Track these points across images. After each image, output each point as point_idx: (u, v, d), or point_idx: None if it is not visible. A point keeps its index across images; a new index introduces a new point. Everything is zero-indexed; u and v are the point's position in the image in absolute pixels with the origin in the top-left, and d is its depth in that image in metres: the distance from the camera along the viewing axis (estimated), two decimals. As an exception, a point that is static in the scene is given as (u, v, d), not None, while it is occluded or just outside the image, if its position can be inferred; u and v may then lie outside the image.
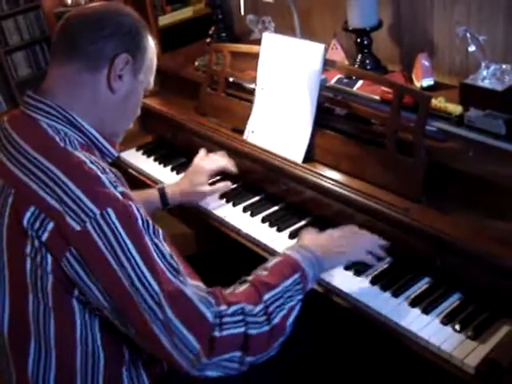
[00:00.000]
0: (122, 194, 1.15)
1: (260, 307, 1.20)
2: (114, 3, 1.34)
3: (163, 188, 1.85)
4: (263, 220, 1.75)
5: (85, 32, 1.26)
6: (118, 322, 1.17)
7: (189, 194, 1.86)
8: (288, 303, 1.24)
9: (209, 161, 1.93)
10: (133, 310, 1.12)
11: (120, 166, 2.20)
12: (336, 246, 1.42)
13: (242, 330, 1.16)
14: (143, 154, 2.30)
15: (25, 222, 1.13)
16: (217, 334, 1.14)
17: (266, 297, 1.22)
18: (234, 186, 1.95)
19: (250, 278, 1.27)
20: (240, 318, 1.17)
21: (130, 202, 1.15)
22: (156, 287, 1.11)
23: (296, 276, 1.28)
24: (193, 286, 1.16)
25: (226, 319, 1.16)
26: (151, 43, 1.36)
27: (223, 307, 1.17)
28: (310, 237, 1.46)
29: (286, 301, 1.24)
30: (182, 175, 2.06)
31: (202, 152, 1.97)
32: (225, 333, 1.15)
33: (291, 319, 1.24)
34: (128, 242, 1.12)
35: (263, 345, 1.20)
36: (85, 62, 1.25)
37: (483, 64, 1.53)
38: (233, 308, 1.17)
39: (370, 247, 1.45)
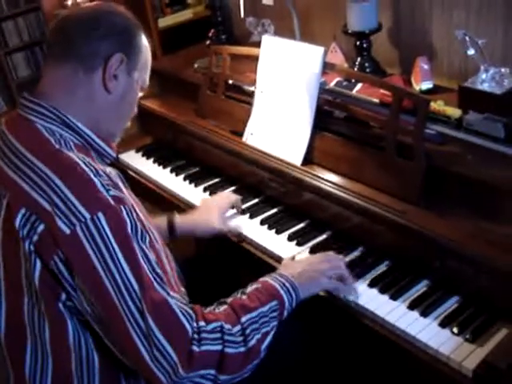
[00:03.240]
0: (114, 197, 1.14)
1: (238, 328, 1.20)
2: (106, 3, 1.33)
3: (172, 218, 1.74)
4: (262, 222, 1.75)
5: (79, 33, 1.25)
6: (99, 328, 1.17)
7: (200, 230, 1.76)
8: (263, 328, 1.24)
9: (222, 199, 1.85)
10: (115, 317, 1.12)
11: (119, 167, 2.20)
12: (311, 273, 1.40)
13: (219, 347, 1.17)
14: (143, 155, 2.30)
15: (17, 223, 1.13)
16: (195, 348, 1.14)
17: (244, 319, 1.22)
18: (233, 188, 1.95)
19: (228, 300, 1.27)
20: (218, 335, 1.17)
21: (122, 206, 1.14)
22: (140, 294, 1.11)
23: (273, 303, 1.28)
24: (175, 298, 1.16)
25: (204, 335, 1.16)
26: (145, 42, 1.35)
27: (202, 323, 1.17)
28: (290, 265, 1.47)
29: (261, 326, 1.24)
30: (181, 177, 2.06)
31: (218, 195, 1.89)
32: (203, 348, 1.15)
33: (265, 344, 1.24)
34: (116, 247, 1.12)
35: (238, 365, 1.20)
36: (80, 62, 1.25)
37: (482, 67, 1.53)
38: (212, 325, 1.18)
39: (330, 272, 1.42)
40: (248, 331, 1.21)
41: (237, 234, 1.75)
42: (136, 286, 1.11)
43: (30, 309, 1.19)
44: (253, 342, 1.21)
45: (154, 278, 1.14)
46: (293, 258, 1.57)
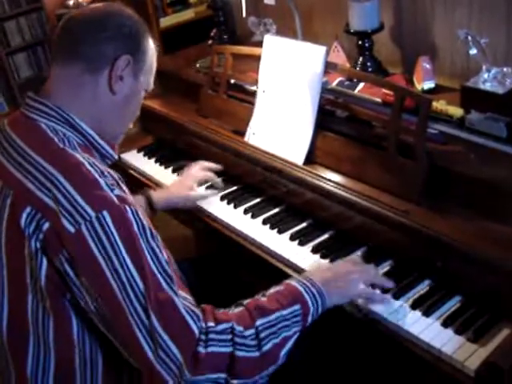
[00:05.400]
0: (119, 197, 1.14)
1: (251, 331, 1.17)
2: (114, 4, 1.34)
3: (149, 194, 1.84)
4: (264, 222, 1.75)
5: (86, 33, 1.26)
6: (104, 327, 1.16)
7: (174, 198, 1.86)
8: (283, 333, 1.20)
9: (197, 167, 1.95)
10: (120, 315, 1.11)
11: (121, 167, 2.20)
12: (338, 283, 1.34)
13: (228, 349, 1.14)
14: (144, 155, 2.30)
15: (22, 222, 1.13)
16: (201, 349, 1.12)
17: (259, 322, 1.19)
18: (235, 187, 1.95)
19: (245, 301, 1.25)
20: (228, 337, 1.15)
21: (127, 206, 1.14)
22: (145, 293, 1.11)
23: (296, 307, 1.24)
24: (182, 298, 1.16)
25: (212, 336, 1.14)
26: (151, 44, 1.36)
27: (211, 323, 1.16)
28: (318, 270, 1.42)
29: (280, 330, 1.20)
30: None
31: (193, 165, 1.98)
32: (210, 349, 1.13)
33: (285, 350, 1.21)
34: (121, 245, 1.11)
35: (251, 370, 1.17)
36: (86, 63, 1.25)
37: (484, 67, 1.53)
38: (221, 326, 1.16)
39: (366, 282, 1.38)
40: (263, 335, 1.18)
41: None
42: (141, 285, 1.11)
43: (34, 307, 1.18)
44: (268, 346, 1.18)
45: (163, 278, 1.14)
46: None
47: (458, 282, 1.37)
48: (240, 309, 1.22)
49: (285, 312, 1.22)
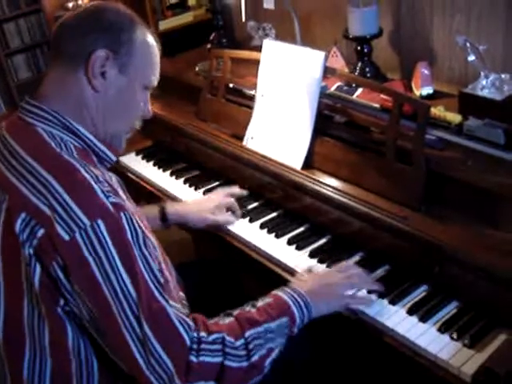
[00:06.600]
0: (114, 204, 1.13)
1: (241, 342, 1.19)
2: (102, 2, 1.30)
3: (164, 205, 1.79)
4: (262, 226, 1.75)
5: (65, 32, 1.25)
6: (97, 334, 1.16)
7: (191, 216, 1.78)
8: (268, 344, 1.22)
9: (222, 192, 1.87)
10: (112, 322, 1.11)
11: (119, 170, 2.20)
12: (328, 295, 1.37)
13: (219, 359, 1.16)
14: (143, 158, 2.30)
15: (17, 228, 1.13)
16: (194, 359, 1.13)
17: (248, 333, 1.20)
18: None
19: (235, 312, 1.26)
20: (219, 347, 1.16)
21: (121, 213, 1.13)
22: (137, 301, 1.11)
23: (284, 319, 1.26)
24: (174, 307, 1.16)
25: (203, 346, 1.15)
26: (143, 37, 1.29)
27: (203, 334, 1.17)
28: (305, 279, 1.43)
29: (266, 341, 1.22)
30: (181, 180, 2.06)
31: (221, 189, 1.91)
32: (202, 359, 1.14)
33: (269, 360, 1.23)
34: (115, 254, 1.11)
35: (239, 379, 1.19)
36: (66, 62, 1.24)
37: (482, 73, 1.54)
38: (213, 336, 1.17)
39: (354, 288, 1.41)
40: (251, 346, 1.20)
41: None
42: (134, 294, 1.11)
43: (29, 312, 1.18)
44: (256, 357, 1.20)
45: (155, 287, 1.14)
46: (309, 271, 1.52)
47: (454, 288, 1.37)
48: (230, 319, 1.23)
49: (273, 324, 1.24)
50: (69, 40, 1.24)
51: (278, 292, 1.33)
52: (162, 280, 1.16)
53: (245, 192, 1.88)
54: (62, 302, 1.16)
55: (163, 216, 1.76)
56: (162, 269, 1.19)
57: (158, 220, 1.75)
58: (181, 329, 1.14)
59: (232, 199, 1.83)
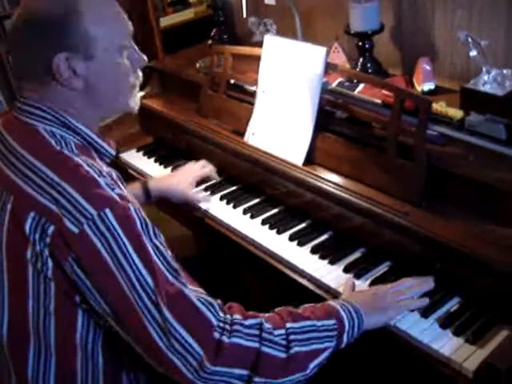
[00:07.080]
0: (120, 195, 1.14)
1: (281, 331, 1.15)
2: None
3: (146, 182, 1.89)
4: (263, 222, 1.75)
5: (15, 57, 1.28)
6: (117, 325, 1.15)
7: (172, 191, 1.90)
8: (313, 344, 1.17)
9: (197, 167, 1.98)
10: (131, 313, 1.10)
11: (120, 166, 2.20)
12: (378, 306, 1.31)
13: (255, 344, 1.12)
14: (144, 154, 2.30)
15: (27, 228, 1.12)
16: (225, 339, 1.10)
17: (289, 325, 1.16)
18: (234, 187, 1.95)
19: (277, 309, 1.22)
20: (256, 332, 1.13)
21: (129, 204, 1.14)
22: (154, 288, 1.10)
23: (330, 322, 1.20)
24: (193, 290, 1.15)
25: (237, 327, 1.12)
26: (87, 4, 1.18)
27: (237, 316, 1.14)
28: (354, 293, 1.38)
29: (311, 339, 1.16)
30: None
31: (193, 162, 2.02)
32: (234, 340, 1.11)
33: (315, 362, 1.17)
34: (126, 242, 1.10)
35: (275, 370, 1.13)
36: (31, 83, 1.24)
37: (484, 69, 1.53)
38: (250, 321, 1.14)
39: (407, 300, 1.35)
40: (292, 337, 1.15)
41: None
42: (149, 280, 1.10)
43: (34, 310, 1.18)
44: (296, 350, 1.14)
45: (168, 271, 1.13)
46: (353, 288, 1.43)
47: (456, 284, 1.37)
48: (270, 314, 1.21)
49: (318, 323, 1.19)
50: (20, 65, 1.25)
51: (330, 301, 1.29)
52: (176, 266, 1.15)
53: (215, 175, 2.00)
54: (77, 298, 1.16)
55: (147, 193, 1.86)
56: (173, 258, 1.19)
57: (142, 197, 1.83)
58: (203, 308, 1.11)
59: (209, 167, 1.98)
